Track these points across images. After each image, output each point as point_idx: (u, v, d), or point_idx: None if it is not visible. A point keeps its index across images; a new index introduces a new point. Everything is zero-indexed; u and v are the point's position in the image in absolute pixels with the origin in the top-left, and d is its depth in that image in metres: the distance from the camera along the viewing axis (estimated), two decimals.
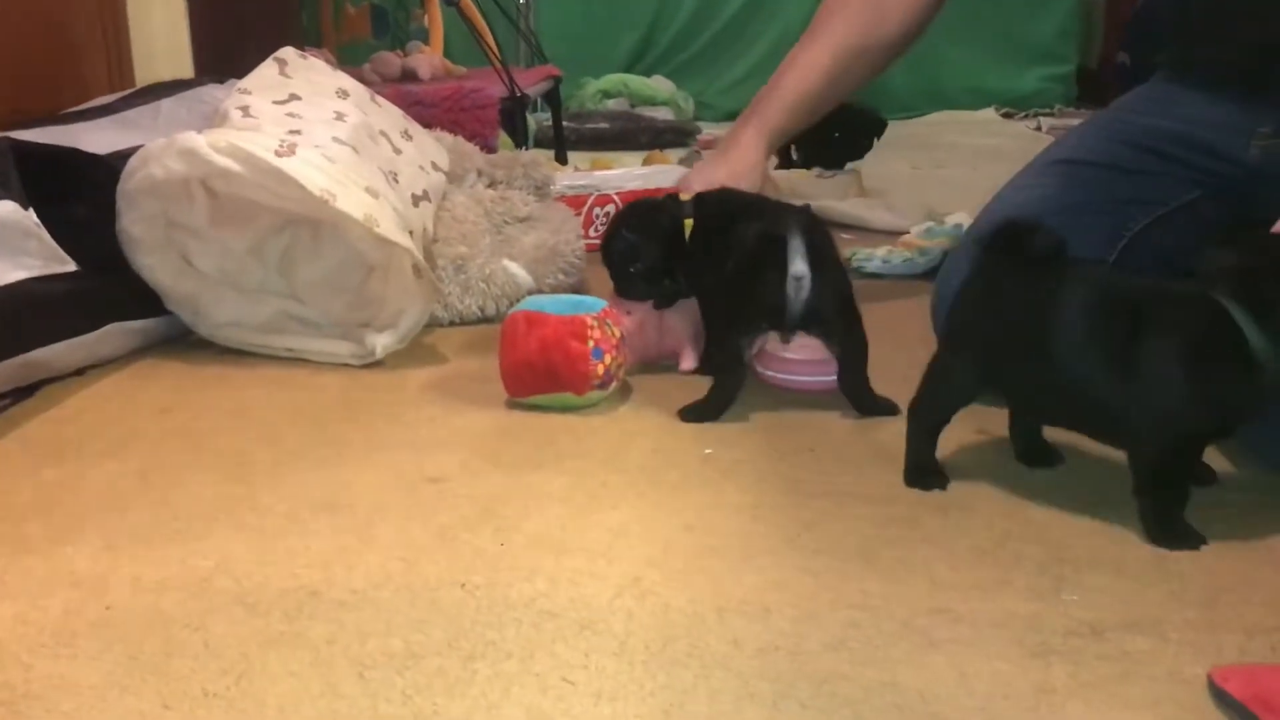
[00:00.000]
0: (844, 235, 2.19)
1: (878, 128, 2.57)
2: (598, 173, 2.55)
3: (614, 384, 1.35)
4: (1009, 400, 1.16)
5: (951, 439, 1.17)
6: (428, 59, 2.90)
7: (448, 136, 1.93)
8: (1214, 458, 1.14)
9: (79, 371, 1.47)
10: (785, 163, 2.63)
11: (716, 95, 4.49)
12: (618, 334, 1.35)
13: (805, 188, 2.45)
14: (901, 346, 1.39)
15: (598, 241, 2.05)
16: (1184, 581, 0.95)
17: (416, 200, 1.64)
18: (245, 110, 1.56)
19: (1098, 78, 4.55)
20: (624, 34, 4.61)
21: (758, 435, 1.28)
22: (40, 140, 1.57)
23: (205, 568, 0.98)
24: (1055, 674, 0.83)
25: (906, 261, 2.01)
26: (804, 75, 1.56)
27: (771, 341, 1.42)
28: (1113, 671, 0.83)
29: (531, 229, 1.80)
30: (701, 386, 1.35)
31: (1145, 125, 1.40)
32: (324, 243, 1.56)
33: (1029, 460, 1.17)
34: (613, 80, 4.17)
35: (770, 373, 1.42)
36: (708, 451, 1.23)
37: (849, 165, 2.65)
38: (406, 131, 1.75)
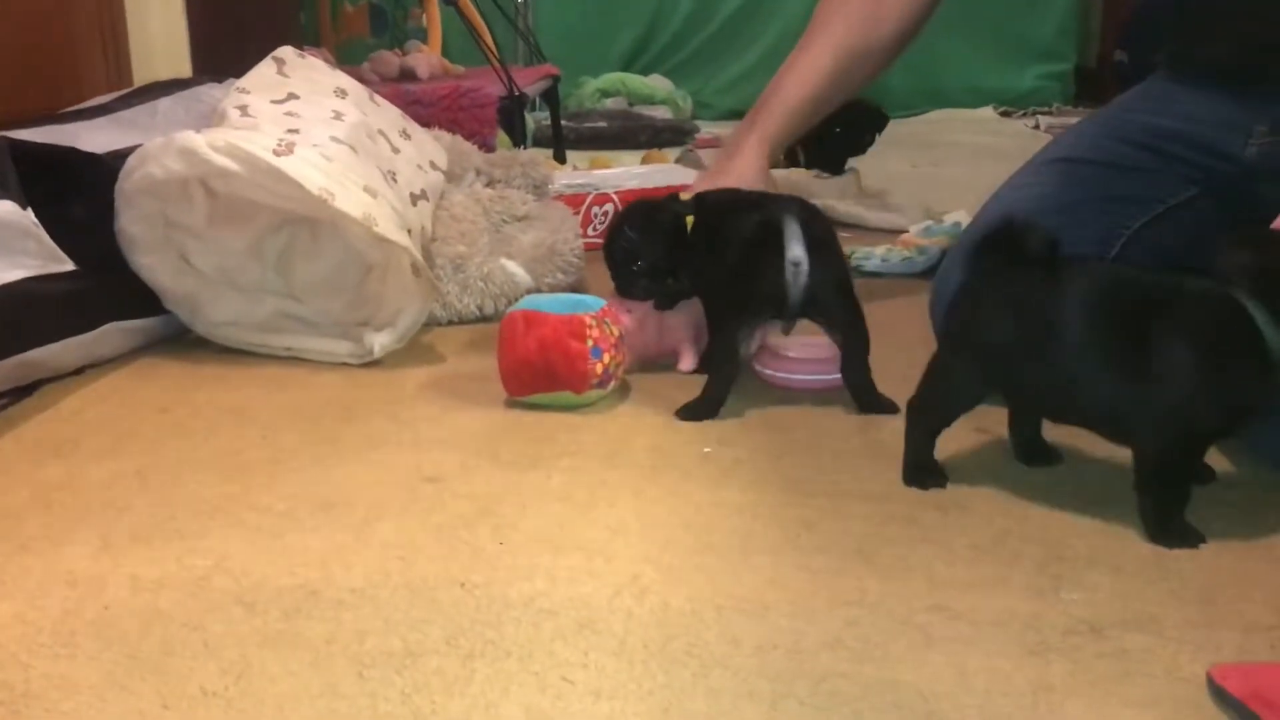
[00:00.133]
0: (843, 234, 2.17)
1: (879, 122, 2.56)
2: (596, 172, 2.56)
3: (613, 383, 1.35)
4: (1013, 399, 1.15)
5: (951, 438, 1.17)
6: (426, 58, 2.90)
7: (446, 135, 1.93)
8: (1213, 456, 1.13)
9: (77, 371, 1.47)
10: (792, 165, 2.63)
11: (715, 94, 4.49)
12: (616, 333, 1.35)
13: (805, 187, 2.44)
14: (900, 345, 1.39)
15: (596, 240, 2.05)
16: (1183, 580, 0.95)
17: (415, 199, 1.64)
18: (243, 110, 1.56)
19: (1096, 76, 4.55)
20: (622, 33, 4.61)
21: (757, 434, 1.28)
22: (38, 140, 1.56)
23: (204, 567, 0.98)
24: (1054, 672, 0.83)
25: (905, 260, 2.01)
26: (804, 79, 1.56)
27: (772, 339, 1.42)
28: (1112, 669, 0.83)
29: (530, 228, 1.80)
30: (700, 385, 1.35)
31: (1143, 123, 1.40)
32: (322, 242, 1.56)
33: (1028, 459, 1.17)
34: (611, 79, 4.17)
35: (770, 372, 1.42)
36: (706, 450, 1.23)
37: (849, 165, 2.65)
38: (405, 130, 1.74)
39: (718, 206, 1.42)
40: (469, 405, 1.36)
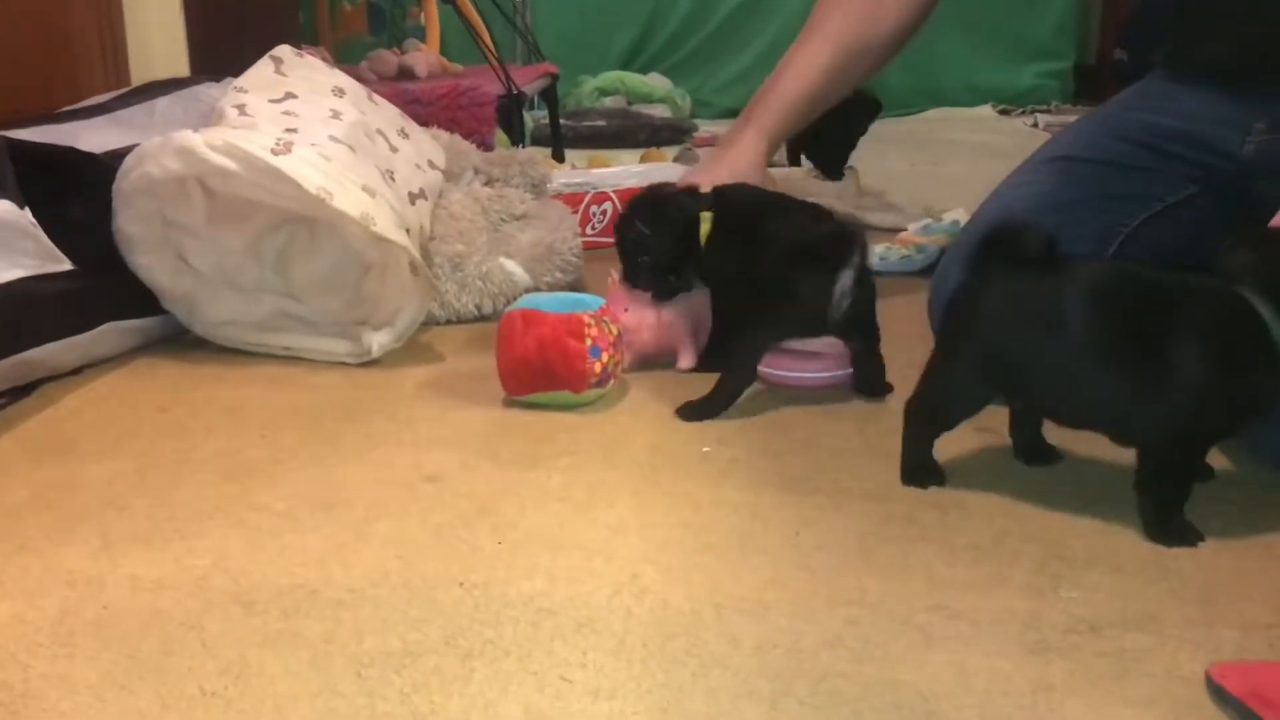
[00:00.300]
0: None
1: (873, 109, 2.55)
2: (595, 170, 2.55)
3: (611, 382, 1.35)
4: (1016, 400, 1.15)
5: (950, 438, 1.16)
6: (424, 57, 2.90)
7: (444, 134, 1.93)
8: (1213, 455, 1.13)
9: (76, 371, 1.47)
10: (794, 165, 2.63)
11: (713, 92, 4.50)
12: (615, 332, 1.35)
13: (803, 187, 2.44)
14: (899, 344, 1.39)
15: (594, 239, 2.06)
16: (1182, 579, 0.96)
17: (413, 198, 1.63)
18: (241, 109, 1.56)
19: (1095, 74, 4.55)
20: (621, 31, 4.61)
21: (755, 433, 1.28)
22: (36, 139, 1.56)
23: (202, 566, 0.98)
24: (1053, 671, 0.83)
25: (904, 259, 2.01)
26: (802, 74, 1.56)
27: None
28: (1111, 668, 0.83)
29: (528, 227, 1.80)
30: (700, 384, 1.35)
31: (1142, 121, 1.40)
32: (321, 241, 1.56)
33: (1029, 459, 1.17)
34: (609, 78, 4.17)
35: (769, 370, 1.42)
36: (705, 449, 1.23)
37: (849, 163, 2.65)
38: (403, 130, 1.74)
39: (744, 207, 1.41)
40: (468, 404, 1.36)
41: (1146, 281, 1.04)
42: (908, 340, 1.41)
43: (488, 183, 1.85)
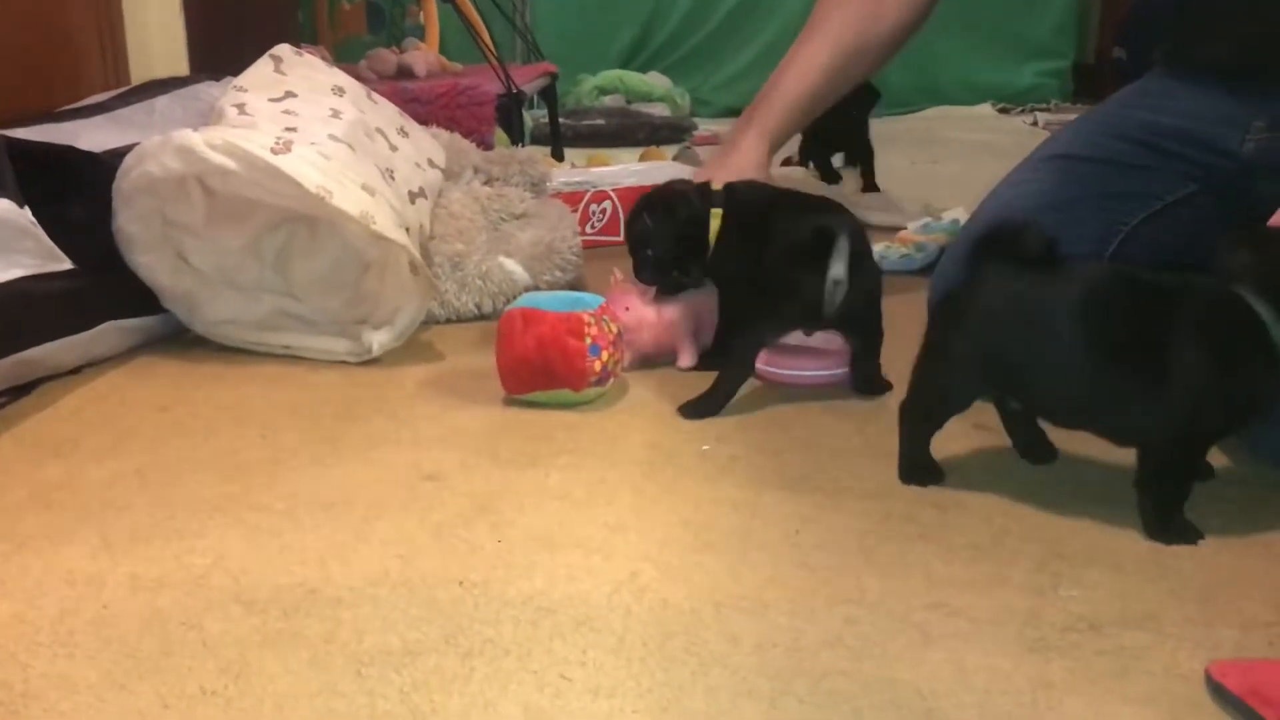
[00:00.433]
0: None
1: (871, 98, 2.55)
2: (594, 169, 2.55)
3: (611, 380, 1.35)
4: (1013, 399, 1.14)
5: (950, 437, 1.17)
6: (424, 56, 2.90)
7: (444, 133, 1.93)
8: (1212, 454, 1.13)
9: (75, 370, 1.47)
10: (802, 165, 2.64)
11: (713, 91, 4.49)
12: (615, 330, 1.35)
13: (803, 186, 2.45)
14: (898, 343, 1.39)
15: (594, 238, 2.06)
16: (1181, 577, 0.96)
17: (413, 197, 1.63)
18: (241, 108, 1.56)
19: (1094, 73, 4.55)
20: (620, 30, 4.61)
21: (755, 431, 1.28)
22: (36, 138, 1.56)
23: (202, 566, 0.98)
24: (1053, 669, 0.83)
25: (904, 257, 2.01)
26: (803, 74, 1.56)
27: None
28: (1110, 667, 0.83)
29: (528, 226, 1.80)
30: (699, 383, 1.35)
31: (1141, 120, 1.40)
32: (320, 240, 1.56)
33: (1030, 455, 1.17)
34: (609, 76, 4.17)
35: (768, 368, 1.42)
36: (705, 448, 1.23)
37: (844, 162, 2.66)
38: (403, 129, 1.74)
39: (753, 204, 1.42)
40: (467, 403, 1.36)
41: (1144, 282, 1.04)
42: (908, 339, 1.41)
43: (487, 182, 1.85)
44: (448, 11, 3.06)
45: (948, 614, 0.90)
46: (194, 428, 1.31)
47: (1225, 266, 1.00)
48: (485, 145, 2.24)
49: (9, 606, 0.92)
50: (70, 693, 0.81)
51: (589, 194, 2.13)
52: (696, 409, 1.32)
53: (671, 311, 1.47)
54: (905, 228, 2.14)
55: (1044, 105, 4.44)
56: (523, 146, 2.56)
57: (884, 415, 1.31)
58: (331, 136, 1.52)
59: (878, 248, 2.03)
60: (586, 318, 1.32)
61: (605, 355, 1.32)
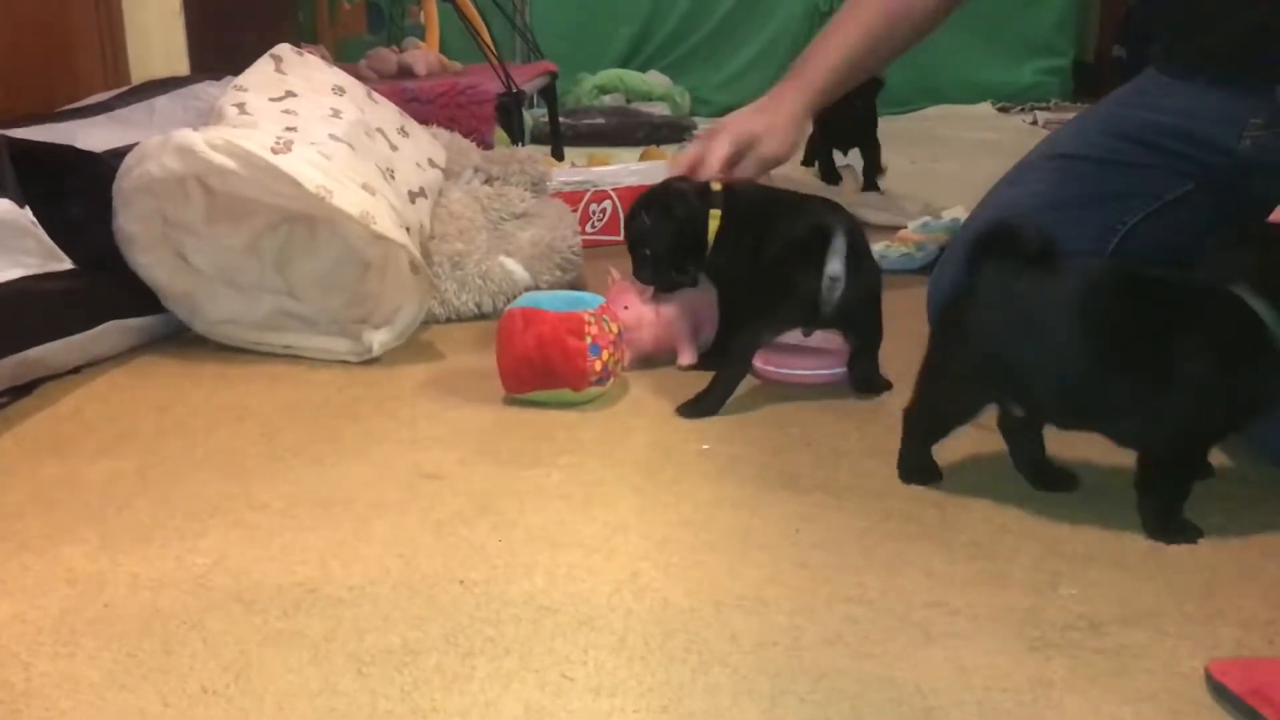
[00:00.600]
0: None
1: (874, 85, 2.55)
2: (594, 168, 2.55)
3: (611, 380, 1.35)
4: (1017, 404, 1.12)
5: (950, 435, 1.16)
6: (424, 55, 2.90)
7: (444, 133, 1.93)
8: (1212, 452, 1.13)
9: (76, 369, 1.47)
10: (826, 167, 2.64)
11: (713, 90, 4.49)
12: (615, 330, 1.35)
13: (803, 186, 2.45)
14: (898, 342, 1.39)
15: (594, 237, 2.06)
16: (1181, 575, 0.96)
17: (413, 197, 1.64)
18: (241, 107, 1.56)
19: (1094, 72, 4.55)
20: (620, 29, 4.61)
21: (755, 430, 1.28)
22: (36, 138, 1.56)
23: (203, 565, 0.98)
24: (1053, 668, 0.83)
25: (903, 256, 2.01)
26: (847, 37, 1.53)
27: None
28: (1110, 665, 0.83)
29: (528, 225, 1.80)
30: (699, 382, 1.35)
31: (1139, 119, 1.40)
32: (320, 240, 1.56)
33: (1041, 483, 1.13)
34: (609, 76, 4.17)
35: (768, 367, 1.42)
36: (705, 447, 1.23)
37: (847, 163, 2.66)
38: (403, 128, 1.74)
39: (751, 204, 1.42)
40: (468, 403, 1.36)
41: (1145, 281, 1.04)
42: (907, 338, 1.41)
43: (487, 181, 1.85)
44: (448, 11, 3.06)
45: (948, 612, 0.90)
46: (194, 427, 1.31)
47: (1221, 265, 1.00)
48: (485, 145, 2.25)
49: (10, 606, 0.92)
50: (71, 692, 0.81)
51: (589, 193, 2.13)
52: (695, 408, 1.32)
53: (671, 310, 1.47)
54: (905, 227, 2.14)
55: (1044, 104, 4.44)
56: (523, 146, 2.56)
57: (884, 415, 1.31)
58: (332, 136, 1.52)
59: (877, 247, 2.03)
60: (587, 317, 1.32)
61: (606, 355, 1.32)
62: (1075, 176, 1.40)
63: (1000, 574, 0.96)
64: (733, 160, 1.43)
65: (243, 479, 1.16)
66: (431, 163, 1.76)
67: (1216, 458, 1.14)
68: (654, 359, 1.48)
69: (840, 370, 1.40)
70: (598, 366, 1.32)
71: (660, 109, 3.91)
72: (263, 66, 1.67)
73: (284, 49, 1.72)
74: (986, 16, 4.40)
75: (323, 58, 1.96)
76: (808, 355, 1.41)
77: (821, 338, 1.39)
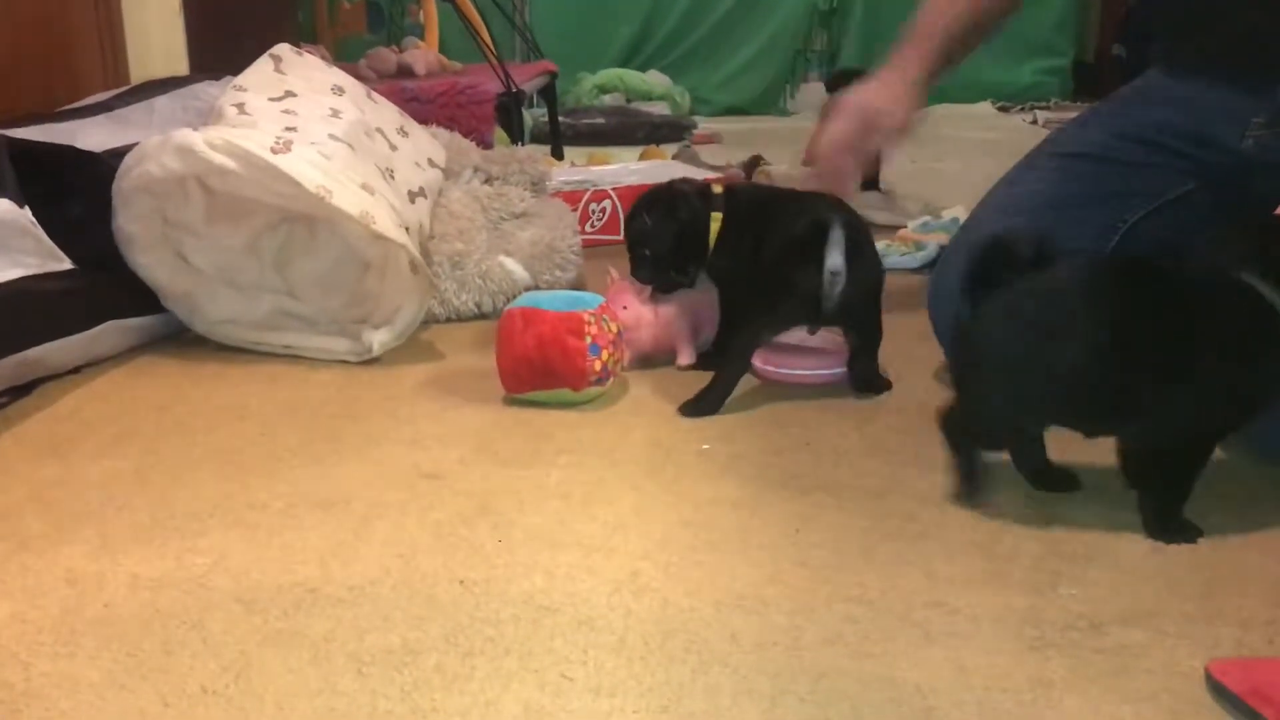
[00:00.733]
0: None
1: None
2: (594, 168, 2.56)
3: (611, 379, 1.35)
4: (1039, 420, 1.08)
5: None
6: (423, 55, 2.90)
7: (444, 133, 1.93)
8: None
9: (75, 369, 1.47)
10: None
11: (712, 90, 4.49)
12: (615, 329, 1.35)
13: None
14: (898, 341, 1.40)
15: (594, 237, 2.06)
16: (1181, 575, 0.96)
17: (413, 197, 1.64)
18: (241, 107, 1.56)
19: (1094, 71, 4.55)
20: (619, 29, 4.61)
21: (755, 430, 1.28)
22: (35, 138, 1.56)
23: (203, 565, 0.98)
24: (1052, 667, 0.83)
25: (904, 255, 2.01)
26: (954, 6, 1.54)
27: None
28: (1110, 665, 0.83)
29: (528, 225, 1.80)
30: (699, 382, 1.35)
31: (1141, 118, 1.40)
32: (320, 240, 1.56)
33: (1043, 485, 1.11)
34: (609, 75, 4.18)
35: (767, 367, 1.42)
36: (705, 446, 1.23)
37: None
38: (402, 128, 1.74)
39: (751, 204, 1.42)
40: (467, 403, 1.36)
41: (1155, 273, 1.02)
42: (907, 337, 1.42)
43: (487, 181, 1.85)
44: (447, 10, 3.06)
45: (948, 612, 0.90)
46: (194, 427, 1.31)
47: (1225, 254, 1.00)
48: (485, 144, 2.25)
49: (10, 606, 0.92)
50: (71, 692, 0.81)
51: (589, 193, 2.13)
52: (696, 407, 1.32)
53: (670, 310, 1.47)
54: (905, 226, 2.14)
55: (1044, 103, 4.45)
56: (522, 145, 2.56)
57: (884, 415, 1.31)
58: (331, 136, 1.52)
59: (877, 246, 2.04)
60: (586, 317, 1.32)
61: (605, 354, 1.32)
62: (1076, 175, 1.40)
63: (1000, 574, 0.96)
64: (857, 135, 1.42)
65: (242, 479, 1.16)
66: (431, 162, 1.76)
67: (1216, 456, 1.14)
68: (653, 359, 1.48)
69: (840, 370, 1.40)
70: (597, 366, 1.32)
71: (660, 108, 3.91)
72: (262, 66, 1.67)
73: (283, 49, 1.72)
74: None
75: (322, 57, 1.96)
76: (808, 355, 1.41)
77: (822, 338, 1.39)
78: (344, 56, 2.99)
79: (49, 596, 0.94)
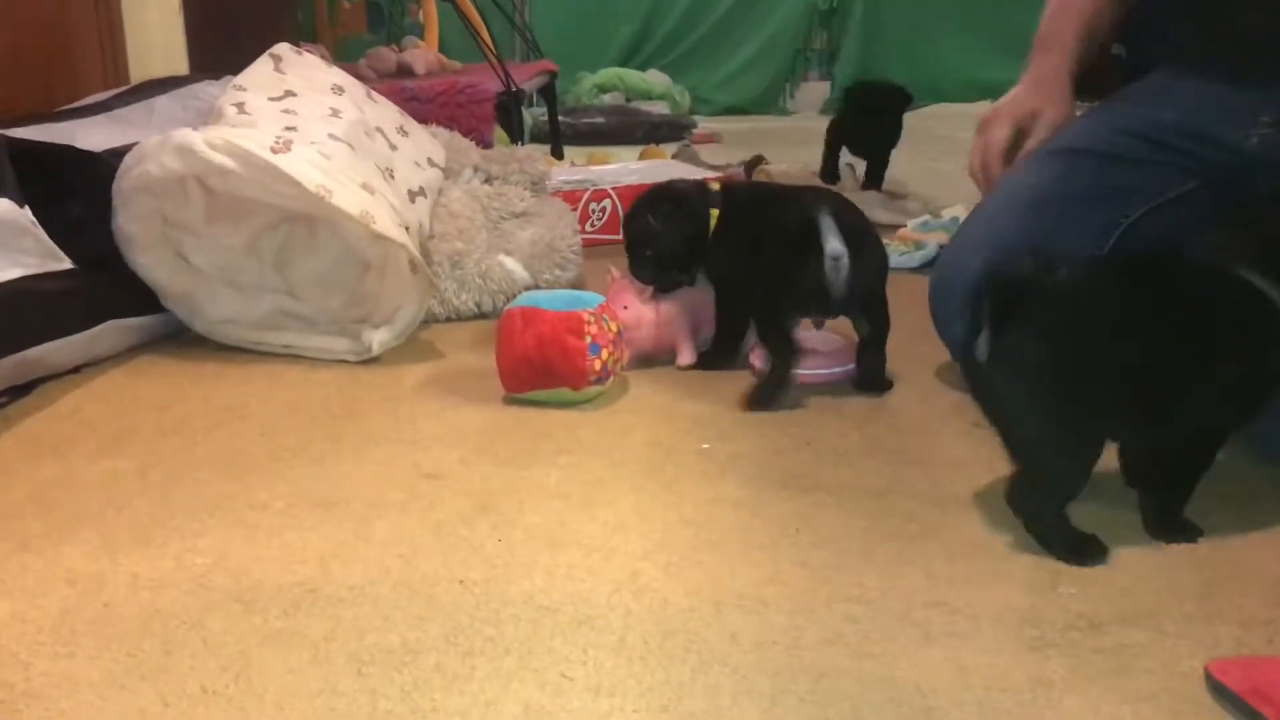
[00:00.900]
0: None
1: (903, 100, 2.57)
2: (594, 167, 2.56)
3: (611, 379, 1.35)
4: (1101, 430, 1.01)
5: (946, 432, 1.17)
6: (423, 54, 2.90)
7: (444, 132, 1.93)
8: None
9: (75, 369, 1.47)
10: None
11: (712, 89, 4.50)
12: (615, 329, 1.35)
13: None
14: (897, 340, 1.39)
15: (594, 236, 2.06)
16: (1181, 574, 0.96)
17: (413, 196, 1.64)
18: (240, 107, 1.56)
19: (1093, 70, 4.55)
20: (619, 28, 4.62)
21: (755, 430, 1.28)
22: (35, 138, 1.56)
23: (203, 565, 0.98)
24: (1052, 667, 0.83)
25: (903, 255, 2.01)
26: (1081, 11, 1.55)
27: None
28: (1110, 665, 0.83)
29: (528, 224, 1.80)
30: (699, 381, 1.35)
31: (1144, 116, 1.40)
32: (320, 239, 1.56)
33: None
34: (608, 75, 4.18)
35: (766, 367, 1.42)
36: (705, 446, 1.23)
37: (847, 160, 2.66)
38: (402, 128, 1.75)
39: (747, 202, 1.43)
40: (467, 402, 1.36)
41: (1153, 274, 1.01)
42: (908, 336, 1.42)
43: (487, 180, 1.85)
44: (447, 10, 3.06)
45: (948, 612, 0.90)
46: (194, 427, 1.31)
47: (1231, 252, 0.99)
48: (485, 144, 2.25)
49: (10, 606, 0.92)
50: (71, 692, 0.81)
51: (588, 192, 2.13)
52: (760, 401, 1.32)
53: (670, 310, 1.47)
54: (905, 225, 2.14)
55: None
56: (522, 145, 2.57)
57: (884, 414, 1.31)
58: (331, 136, 1.52)
59: None
60: (586, 316, 1.32)
61: (605, 354, 1.32)
62: (1079, 172, 1.40)
63: (1000, 573, 0.96)
64: (1015, 140, 1.43)
65: (243, 479, 1.16)
66: (431, 162, 1.76)
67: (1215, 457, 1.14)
68: (653, 358, 1.48)
69: (840, 369, 1.40)
70: (597, 366, 1.32)
71: (660, 108, 3.92)
72: (262, 66, 1.67)
73: (283, 48, 1.72)
74: (986, 16, 4.41)
75: (322, 57, 1.96)
76: (808, 355, 1.41)
77: (822, 338, 1.39)
78: (344, 56, 2.99)
79: (49, 596, 0.94)
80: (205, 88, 1.88)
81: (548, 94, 3.20)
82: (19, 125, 1.62)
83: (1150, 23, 1.55)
